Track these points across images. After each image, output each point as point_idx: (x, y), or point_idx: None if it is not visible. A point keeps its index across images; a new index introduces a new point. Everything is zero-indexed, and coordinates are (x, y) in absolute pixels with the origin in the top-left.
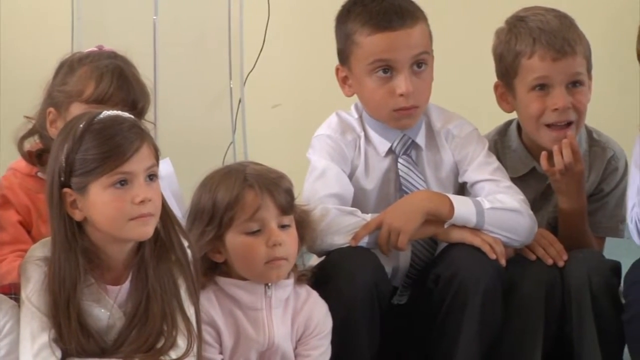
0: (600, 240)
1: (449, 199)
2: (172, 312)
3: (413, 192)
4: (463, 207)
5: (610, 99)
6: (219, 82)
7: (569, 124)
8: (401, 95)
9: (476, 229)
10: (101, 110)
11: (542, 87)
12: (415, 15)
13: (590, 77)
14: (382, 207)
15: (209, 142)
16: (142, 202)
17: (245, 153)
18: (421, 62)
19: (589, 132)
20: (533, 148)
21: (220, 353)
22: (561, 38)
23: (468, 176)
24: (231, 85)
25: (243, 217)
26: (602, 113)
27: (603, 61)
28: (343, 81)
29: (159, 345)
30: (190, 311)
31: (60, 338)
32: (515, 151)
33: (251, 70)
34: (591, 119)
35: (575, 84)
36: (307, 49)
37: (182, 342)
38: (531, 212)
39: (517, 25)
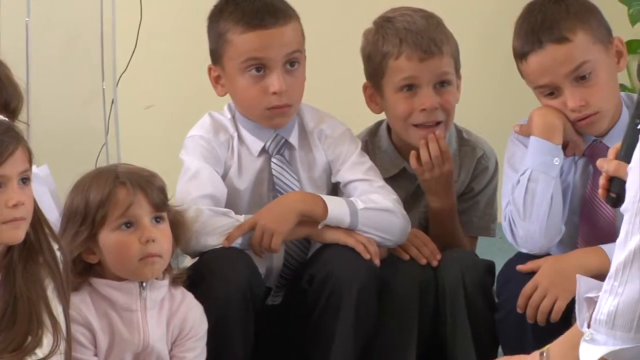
0: (472, 239)
1: (322, 199)
2: (39, 313)
3: (287, 193)
4: (337, 208)
5: (483, 98)
6: (91, 83)
7: (437, 123)
8: (274, 93)
9: (350, 229)
10: None
11: (410, 87)
12: (287, 14)
13: (459, 77)
14: (256, 207)
15: (81, 143)
16: (15, 205)
17: (118, 154)
18: (294, 61)
19: (459, 131)
20: (403, 148)
21: (96, 355)
22: (428, 38)
23: (341, 176)
24: (104, 86)
25: (115, 214)
26: (475, 113)
27: (476, 61)
28: (216, 81)
29: (25, 344)
30: (57, 310)
31: None
32: (385, 151)
33: (124, 71)
34: (464, 119)
35: (442, 83)
36: (180, 50)
37: (47, 340)
38: (404, 212)
39: (384, 26)
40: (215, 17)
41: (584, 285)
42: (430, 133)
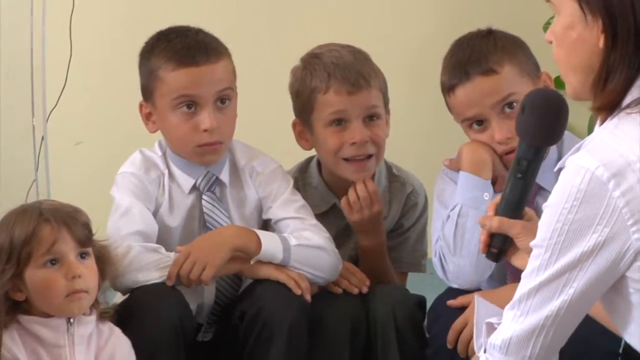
0: (402, 275)
1: (256, 234)
2: None
3: (222, 227)
4: (270, 243)
5: (412, 134)
6: (21, 119)
7: (368, 157)
8: (205, 130)
9: (282, 265)
10: None
11: (339, 121)
12: (219, 52)
13: (387, 112)
14: (187, 245)
15: (11, 180)
16: None
17: (48, 191)
18: (225, 98)
19: (389, 167)
20: (334, 184)
21: None
22: (355, 72)
23: (273, 213)
24: (34, 123)
25: (40, 251)
26: (404, 148)
27: (404, 96)
28: (147, 117)
29: None
30: None
31: None
32: (316, 188)
33: (54, 108)
34: (393, 155)
35: (372, 117)
36: (111, 86)
37: None
38: (336, 250)
39: (311, 62)
40: (147, 54)
41: (482, 309)
42: (361, 166)
